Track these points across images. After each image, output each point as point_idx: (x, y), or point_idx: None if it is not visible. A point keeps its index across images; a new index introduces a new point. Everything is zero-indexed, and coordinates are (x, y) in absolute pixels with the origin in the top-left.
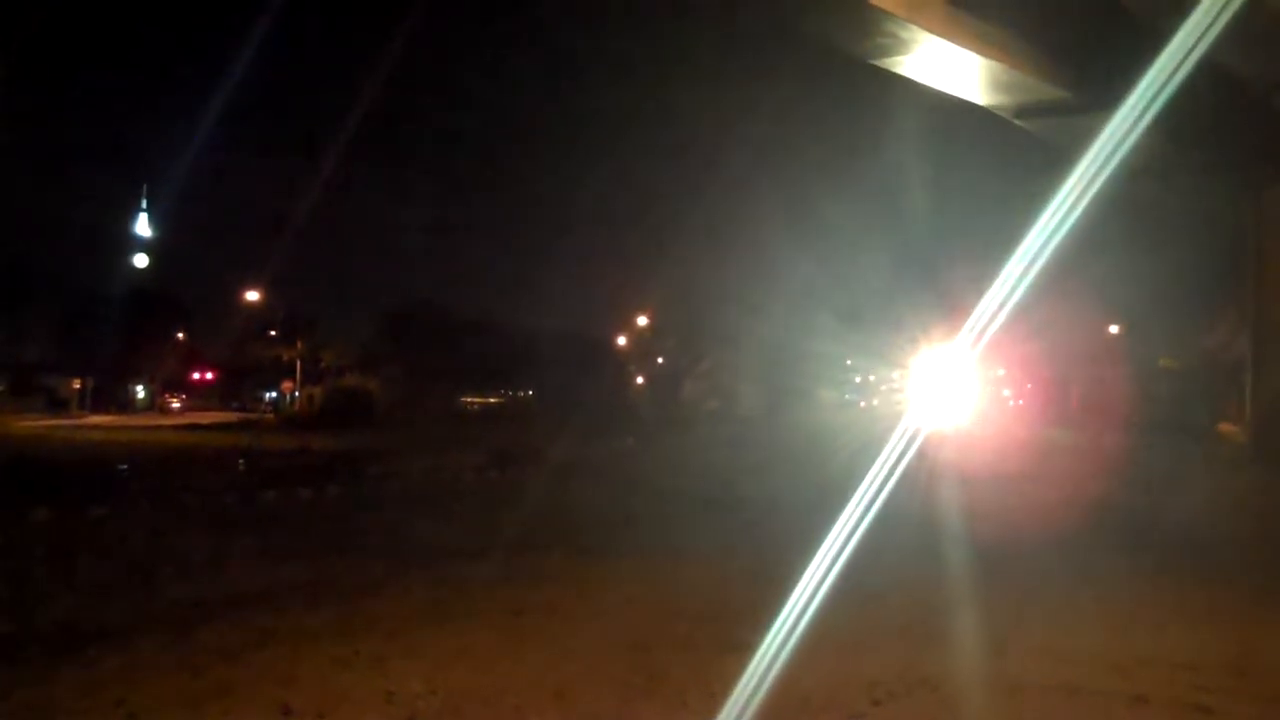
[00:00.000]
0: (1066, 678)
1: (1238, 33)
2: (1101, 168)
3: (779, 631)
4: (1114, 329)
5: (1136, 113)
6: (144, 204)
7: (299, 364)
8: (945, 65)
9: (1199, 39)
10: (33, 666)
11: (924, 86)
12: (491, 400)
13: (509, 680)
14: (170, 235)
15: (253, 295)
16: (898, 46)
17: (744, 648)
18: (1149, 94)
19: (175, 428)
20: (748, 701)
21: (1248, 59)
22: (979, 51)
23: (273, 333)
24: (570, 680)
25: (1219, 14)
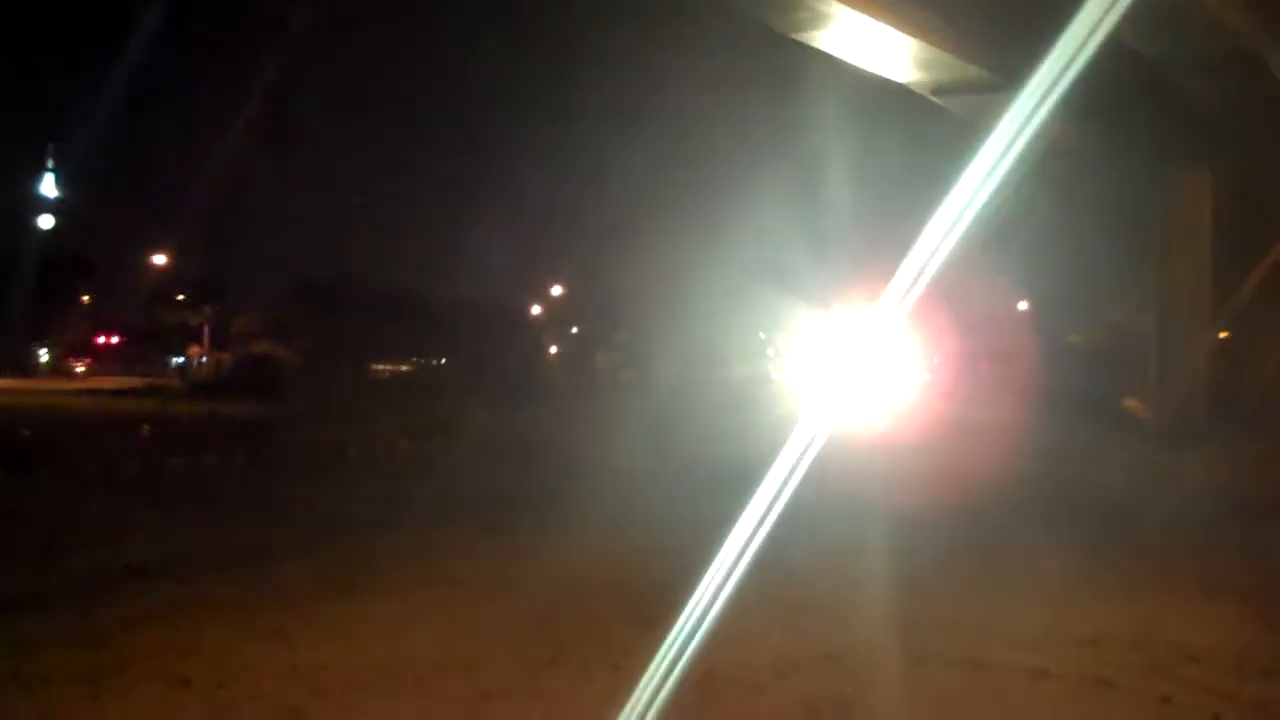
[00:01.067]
0: (969, 652)
1: (1143, 14)
2: (1010, 145)
3: (687, 607)
4: (1023, 305)
5: (1043, 91)
6: (50, 164)
7: (207, 329)
8: (864, 41)
9: (1102, 18)
10: None
11: (844, 62)
12: (403, 368)
13: (414, 652)
14: (77, 196)
15: (160, 259)
16: (816, 21)
17: (652, 623)
18: (1054, 72)
19: (79, 392)
20: (652, 675)
21: (1154, 40)
22: (897, 27)
23: (180, 297)
24: (476, 653)
25: None
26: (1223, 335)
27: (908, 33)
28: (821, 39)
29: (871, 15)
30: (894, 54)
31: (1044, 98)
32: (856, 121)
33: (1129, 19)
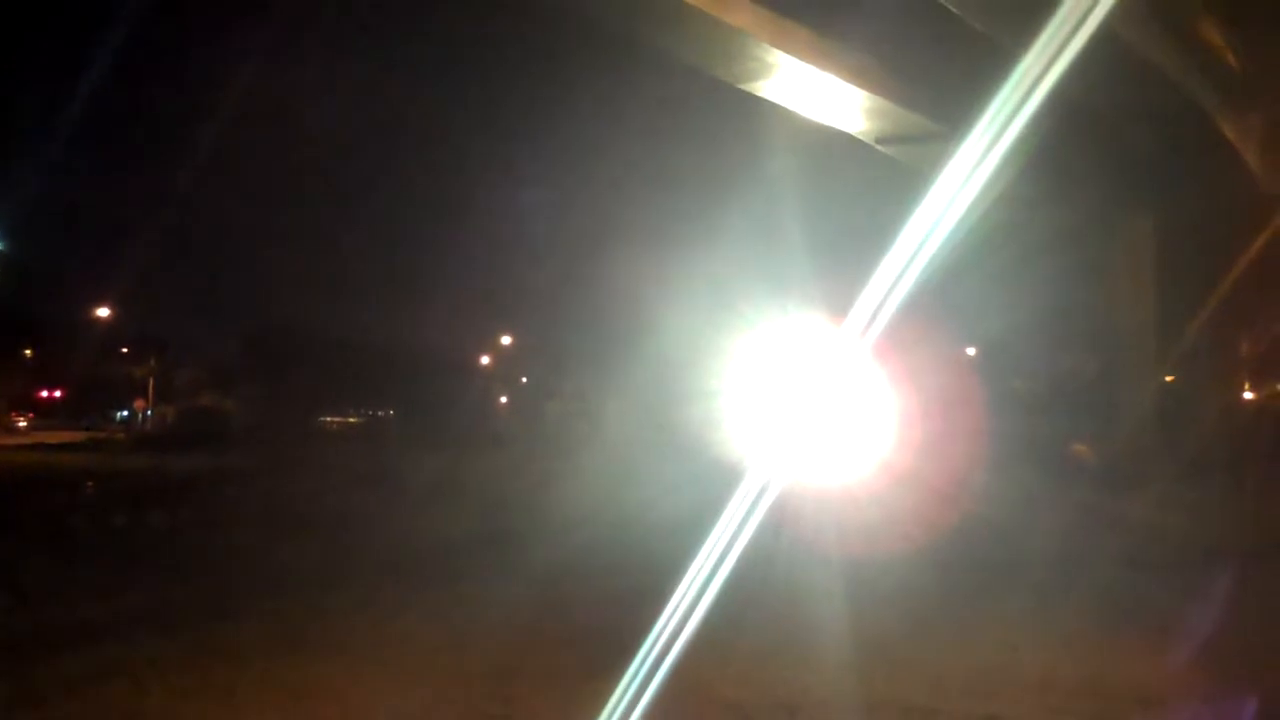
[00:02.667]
0: (922, 699)
1: (1085, 64)
2: (956, 194)
3: (640, 657)
4: (970, 351)
5: (988, 140)
6: None
7: (152, 382)
8: (810, 91)
9: (1045, 70)
10: None
11: (793, 113)
12: (351, 420)
13: (363, 711)
14: (17, 250)
15: (103, 312)
16: (762, 71)
17: (605, 674)
18: (999, 122)
19: (20, 447)
20: None
21: (1096, 89)
22: (840, 76)
23: (124, 350)
24: (426, 710)
25: (1064, 45)
26: (1169, 379)
27: (851, 81)
28: (767, 89)
29: (814, 64)
30: (838, 103)
31: (988, 147)
32: (809, 172)
33: (1072, 70)
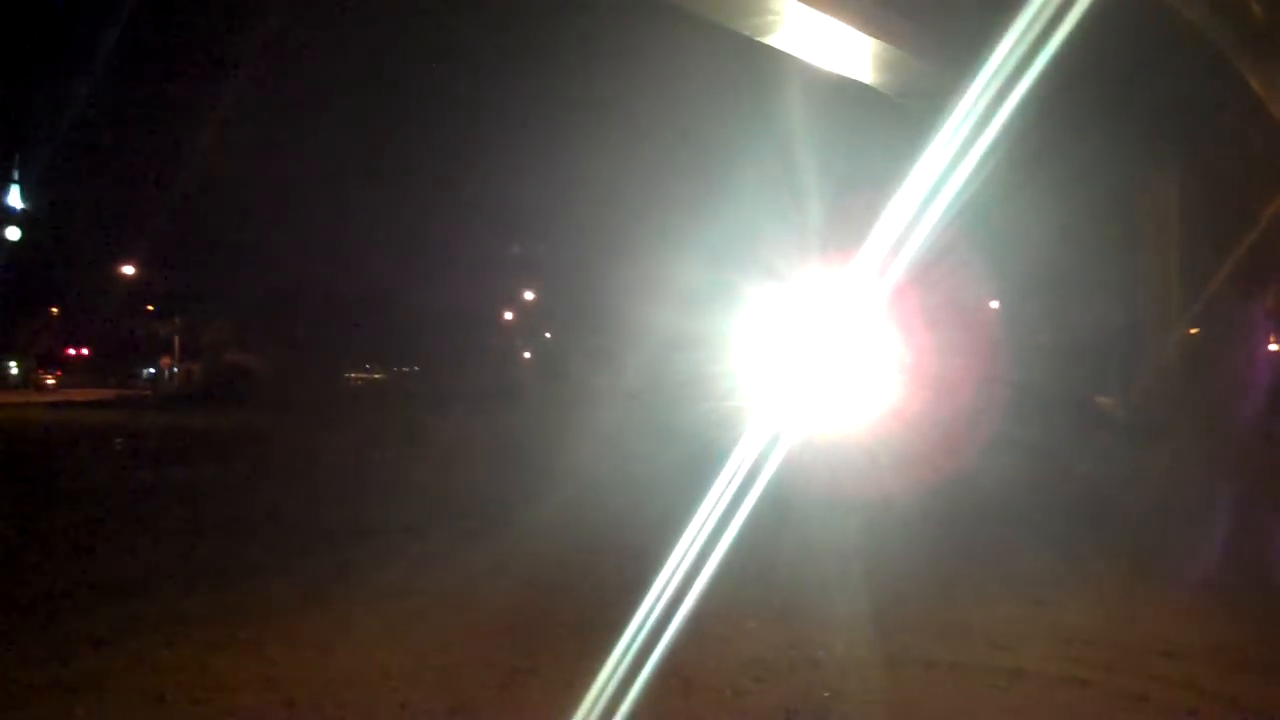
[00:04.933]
0: (946, 653)
1: (1107, 12)
2: (968, 141)
3: (662, 612)
4: (994, 304)
5: (998, 87)
6: (15, 176)
7: (177, 340)
8: (829, 43)
9: (1059, 14)
10: None
11: (810, 64)
12: (375, 376)
13: (390, 664)
14: (44, 208)
15: (129, 269)
16: (780, 23)
17: (627, 627)
18: (1009, 68)
19: (50, 404)
20: (629, 681)
21: (1122, 41)
22: (862, 29)
23: (150, 307)
24: (452, 663)
25: None
26: (1192, 331)
27: (872, 34)
28: (790, 41)
29: (837, 16)
30: (853, 53)
31: (1000, 94)
32: (826, 123)
33: (1091, 16)
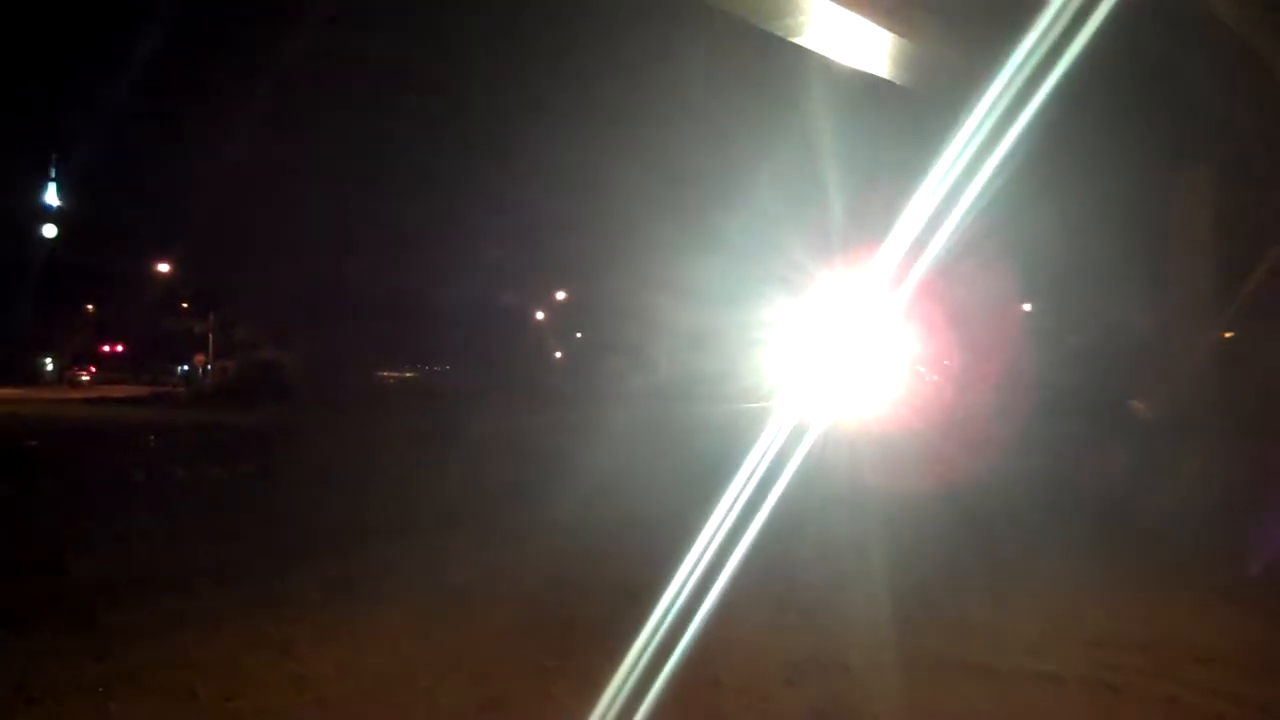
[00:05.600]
0: (977, 656)
1: (1137, 7)
2: (995, 141)
3: (690, 611)
4: (1026, 306)
5: (1031, 88)
6: (53, 173)
7: (211, 337)
8: (858, 40)
9: (1085, 7)
10: None
11: (840, 64)
12: (408, 374)
13: (420, 662)
14: (80, 205)
15: (164, 266)
16: (809, 23)
17: (658, 626)
18: (1033, 63)
19: (84, 401)
20: (660, 681)
21: (1154, 36)
22: (889, 27)
23: (184, 305)
24: (483, 662)
25: None
26: (1226, 335)
27: (898, 31)
28: (817, 40)
29: (864, 14)
30: (880, 49)
31: (1031, 94)
32: (857, 120)
33: (1122, 11)
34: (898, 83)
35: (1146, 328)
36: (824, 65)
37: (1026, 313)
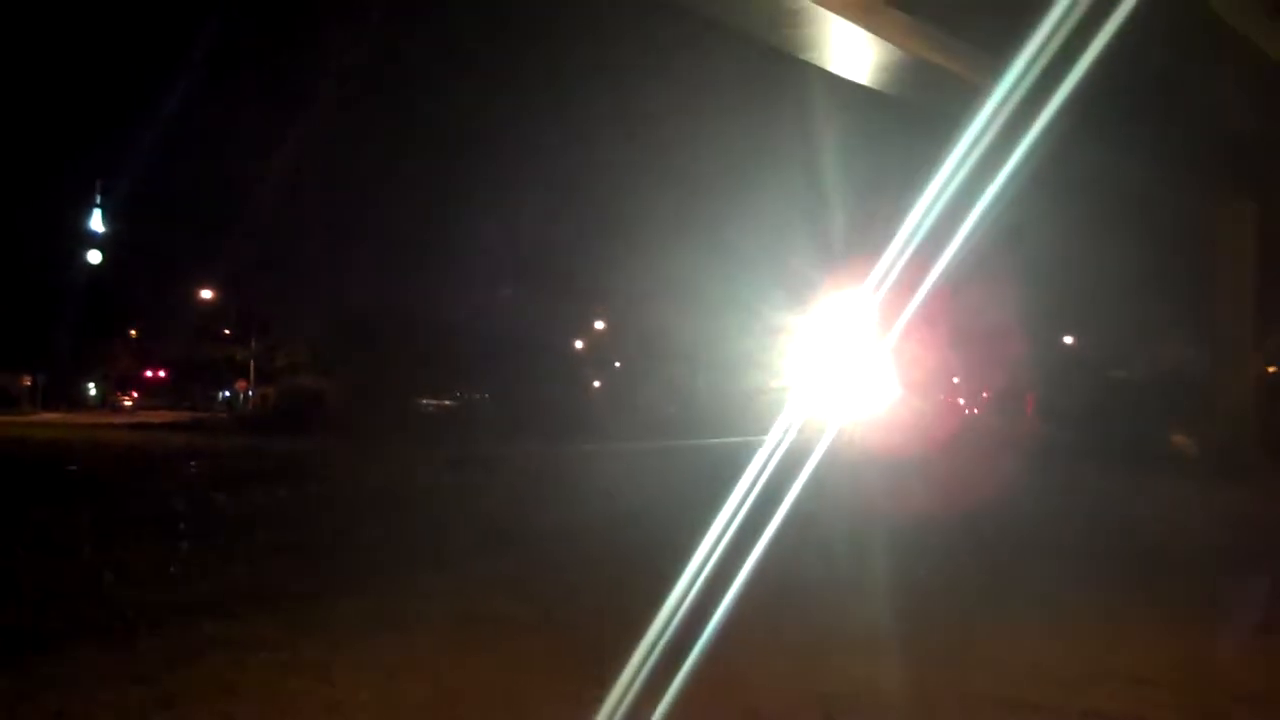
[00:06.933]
0: (1017, 692)
1: (1183, 43)
2: (1020, 167)
3: (731, 641)
4: (1068, 340)
5: (1059, 111)
6: (98, 200)
7: (252, 363)
8: (871, 59)
9: (1096, 24)
10: None
11: (849, 82)
12: (446, 402)
13: (458, 689)
14: (124, 232)
15: (206, 294)
16: (820, 39)
17: (697, 658)
18: (1044, 82)
19: (127, 426)
20: (699, 714)
21: (1192, 68)
22: (903, 46)
23: (226, 331)
24: (520, 691)
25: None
26: (1270, 369)
27: (914, 51)
28: (831, 59)
29: (878, 33)
30: (902, 71)
31: (1056, 118)
32: (888, 143)
33: (1151, 37)
34: (924, 103)
35: (1189, 361)
36: (851, 89)
37: (1070, 346)
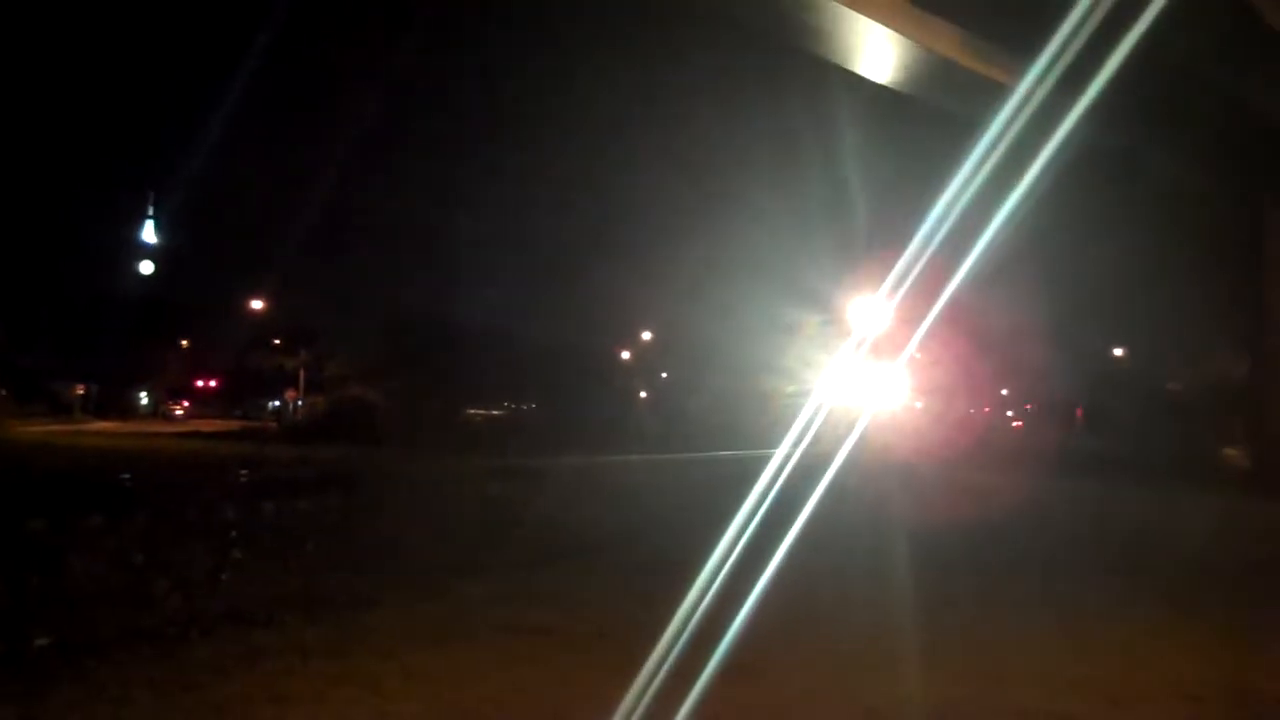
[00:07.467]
0: (1067, 708)
1: (1229, 46)
2: (1059, 175)
3: (778, 654)
4: (1119, 352)
5: (1045, 93)
6: (150, 211)
7: (302, 373)
8: (901, 62)
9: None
10: (23, 681)
11: (884, 87)
12: (495, 412)
13: (504, 701)
14: (176, 242)
15: (256, 304)
16: (850, 41)
17: (745, 671)
18: (1072, 80)
19: (178, 435)
20: None
21: (1241, 74)
22: (930, 47)
23: (276, 341)
24: (566, 703)
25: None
26: None
27: (941, 51)
28: (859, 61)
29: (906, 33)
30: (931, 74)
31: (1061, 106)
32: (901, 140)
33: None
34: (962, 111)
35: (1240, 374)
36: (891, 97)
37: (1121, 359)
